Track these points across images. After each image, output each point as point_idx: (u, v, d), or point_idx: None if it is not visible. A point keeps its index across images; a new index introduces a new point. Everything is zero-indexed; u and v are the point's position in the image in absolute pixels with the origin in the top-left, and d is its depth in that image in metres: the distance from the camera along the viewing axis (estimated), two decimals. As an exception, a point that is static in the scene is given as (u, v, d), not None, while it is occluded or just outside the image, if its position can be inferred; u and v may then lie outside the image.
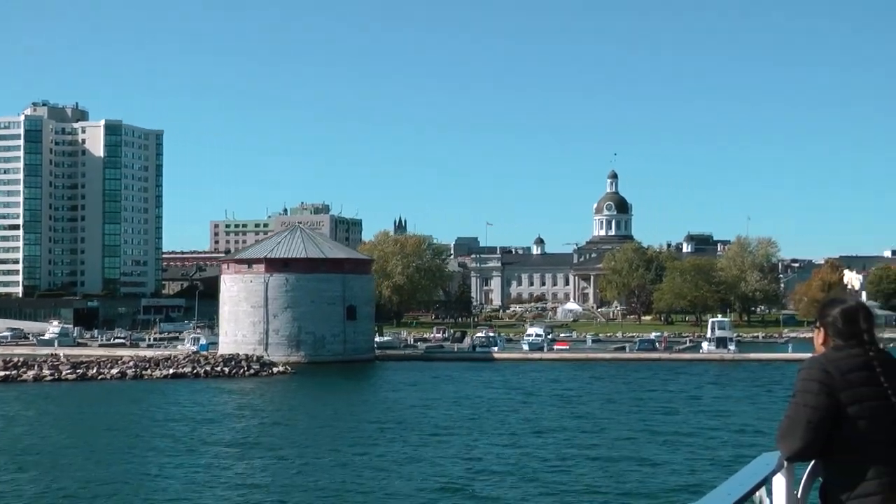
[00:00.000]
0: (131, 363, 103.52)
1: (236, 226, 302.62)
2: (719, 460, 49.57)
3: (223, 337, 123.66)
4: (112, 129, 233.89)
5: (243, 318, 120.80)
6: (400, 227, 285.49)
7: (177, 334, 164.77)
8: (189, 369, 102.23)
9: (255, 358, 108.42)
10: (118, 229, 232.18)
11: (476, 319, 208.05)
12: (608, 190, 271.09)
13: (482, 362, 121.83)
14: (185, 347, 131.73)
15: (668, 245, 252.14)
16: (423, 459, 50.92)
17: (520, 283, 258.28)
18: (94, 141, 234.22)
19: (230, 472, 48.67)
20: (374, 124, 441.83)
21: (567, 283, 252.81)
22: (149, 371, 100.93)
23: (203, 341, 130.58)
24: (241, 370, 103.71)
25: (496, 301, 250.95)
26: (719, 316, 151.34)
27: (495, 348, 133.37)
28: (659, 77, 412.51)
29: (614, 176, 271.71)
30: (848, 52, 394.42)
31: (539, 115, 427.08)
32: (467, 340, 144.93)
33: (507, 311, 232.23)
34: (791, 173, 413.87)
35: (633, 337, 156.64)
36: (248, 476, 47.65)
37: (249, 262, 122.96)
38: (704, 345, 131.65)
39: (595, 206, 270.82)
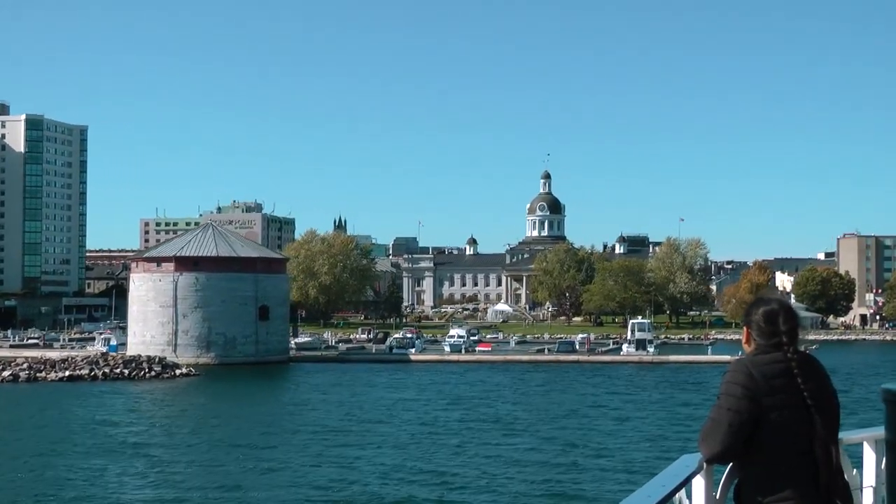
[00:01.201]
0: (25, 365, 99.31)
1: (167, 224, 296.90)
2: (612, 466, 47.99)
3: (131, 337, 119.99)
4: (33, 124, 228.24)
5: (152, 318, 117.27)
6: (340, 226, 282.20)
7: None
8: (86, 371, 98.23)
9: (157, 360, 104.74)
10: (39, 227, 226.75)
11: (405, 320, 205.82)
12: (541, 191, 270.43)
13: (398, 364, 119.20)
14: (96, 348, 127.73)
15: (604, 246, 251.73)
16: (304, 465, 48.71)
17: (452, 284, 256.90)
18: (15, 136, 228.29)
19: (105, 477, 46.31)
20: (314, 123, 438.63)
21: (499, 283, 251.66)
22: (43, 373, 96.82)
23: (113, 342, 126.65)
24: (142, 372, 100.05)
25: (428, 301, 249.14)
26: (639, 318, 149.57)
27: (412, 350, 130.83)
28: (593, 76, 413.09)
29: (547, 176, 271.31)
30: (780, 51, 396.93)
31: (475, 114, 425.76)
32: (389, 341, 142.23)
33: (439, 312, 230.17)
34: (729, 174, 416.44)
35: (559, 338, 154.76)
36: (121, 481, 45.35)
37: (158, 261, 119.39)
38: (625, 346, 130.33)
39: (528, 206, 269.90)
